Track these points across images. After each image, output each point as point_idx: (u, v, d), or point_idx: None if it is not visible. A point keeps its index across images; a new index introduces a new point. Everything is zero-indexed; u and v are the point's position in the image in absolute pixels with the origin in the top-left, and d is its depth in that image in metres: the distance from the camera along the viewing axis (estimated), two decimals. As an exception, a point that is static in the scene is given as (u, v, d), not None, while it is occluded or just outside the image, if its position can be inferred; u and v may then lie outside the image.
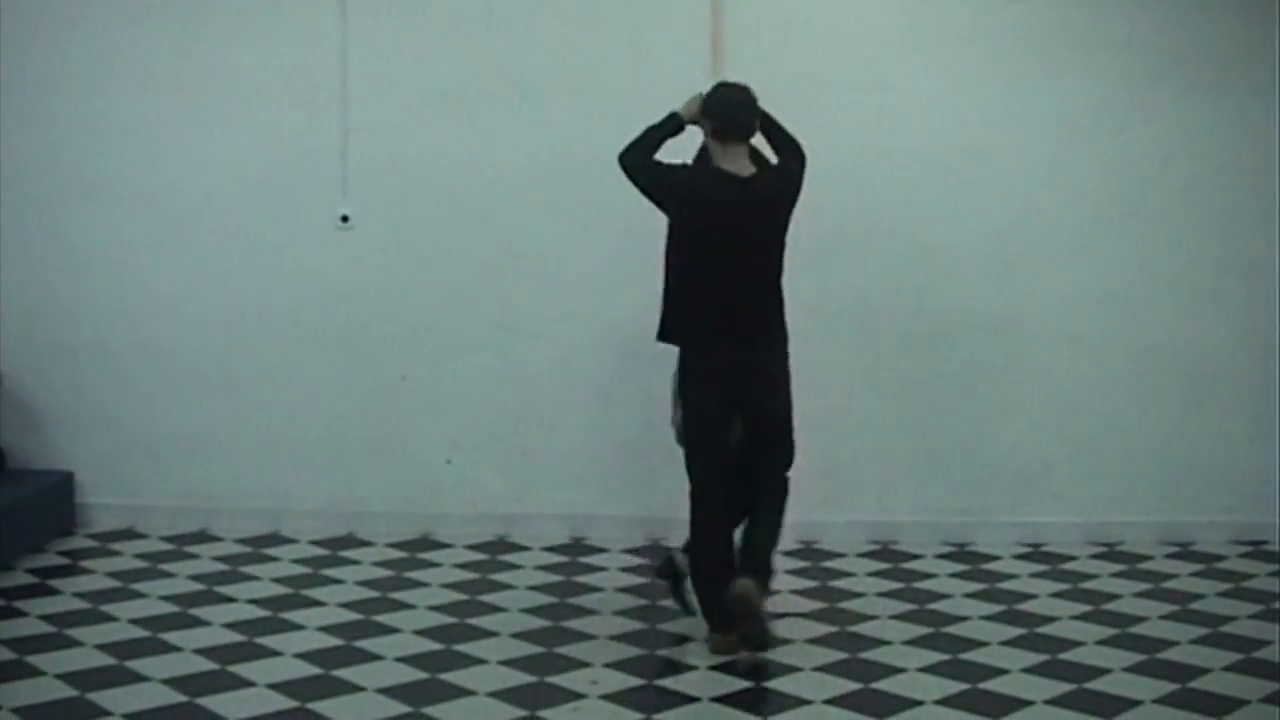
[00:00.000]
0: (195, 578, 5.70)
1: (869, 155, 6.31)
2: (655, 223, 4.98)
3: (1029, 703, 4.43)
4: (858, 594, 5.64)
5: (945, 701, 4.45)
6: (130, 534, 6.36)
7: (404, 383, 6.48)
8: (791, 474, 5.06)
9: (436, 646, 4.90)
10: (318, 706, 4.30)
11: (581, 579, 5.81)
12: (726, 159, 4.89)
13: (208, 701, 4.31)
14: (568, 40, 6.36)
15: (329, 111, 6.37)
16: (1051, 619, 5.33)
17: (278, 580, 5.69)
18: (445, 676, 4.60)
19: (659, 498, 6.10)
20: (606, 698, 4.45)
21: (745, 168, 4.92)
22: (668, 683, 4.62)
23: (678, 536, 5.26)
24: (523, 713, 4.31)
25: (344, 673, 4.60)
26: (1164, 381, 6.50)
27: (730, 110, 4.91)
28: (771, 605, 5.21)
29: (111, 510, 6.48)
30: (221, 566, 5.88)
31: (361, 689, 4.46)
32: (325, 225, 6.43)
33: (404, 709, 4.31)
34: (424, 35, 6.38)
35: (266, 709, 4.27)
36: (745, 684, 4.61)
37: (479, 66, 6.38)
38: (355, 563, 5.99)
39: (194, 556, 6.03)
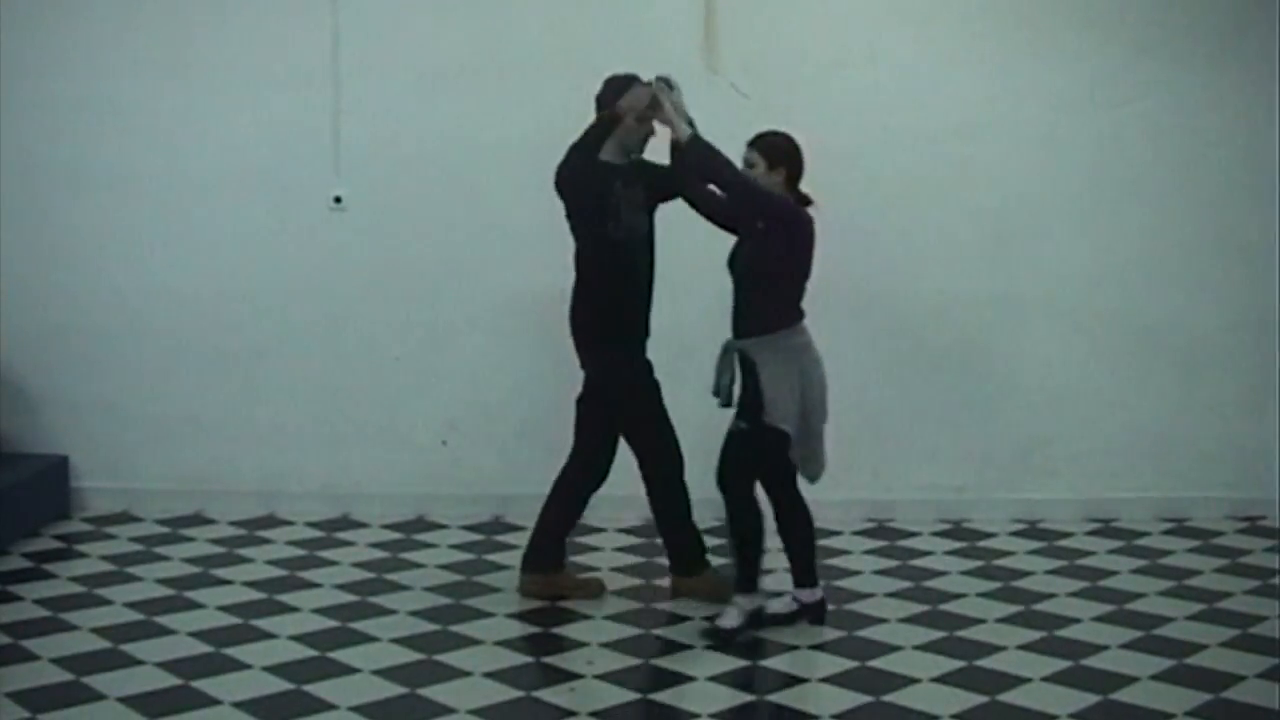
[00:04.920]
0: (190, 561, 5.70)
1: (863, 133, 6.27)
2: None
3: (1025, 679, 4.44)
4: (854, 571, 5.64)
5: (941, 679, 4.45)
6: (125, 517, 6.35)
7: (398, 364, 6.47)
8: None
9: (432, 628, 4.90)
10: (313, 689, 4.30)
11: (577, 559, 5.80)
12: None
13: (203, 684, 4.32)
14: (560, 18, 6.32)
15: (322, 93, 6.34)
16: (1048, 596, 5.34)
17: (273, 563, 5.69)
18: (441, 657, 4.60)
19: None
20: (602, 677, 4.45)
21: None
22: (664, 662, 4.62)
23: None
24: (519, 693, 4.31)
25: (340, 655, 4.61)
26: (1160, 358, 6.49)
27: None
28: (769, 583, 5.21)
29: (106, 494, 6.46)
30: (217, 549, 5.88)
31: (357, 671, 4.47)
32: (319, 207, 6.40)
33: (400, 690, 4.31)
34: (416, 15, 6.34)
35: (262, 691, 4.28)
36: (742, 662, 4.61)
37: (471, 46, 6.34)
38: (350, 544, 5.98)
39: (189, 540, 6.02)
